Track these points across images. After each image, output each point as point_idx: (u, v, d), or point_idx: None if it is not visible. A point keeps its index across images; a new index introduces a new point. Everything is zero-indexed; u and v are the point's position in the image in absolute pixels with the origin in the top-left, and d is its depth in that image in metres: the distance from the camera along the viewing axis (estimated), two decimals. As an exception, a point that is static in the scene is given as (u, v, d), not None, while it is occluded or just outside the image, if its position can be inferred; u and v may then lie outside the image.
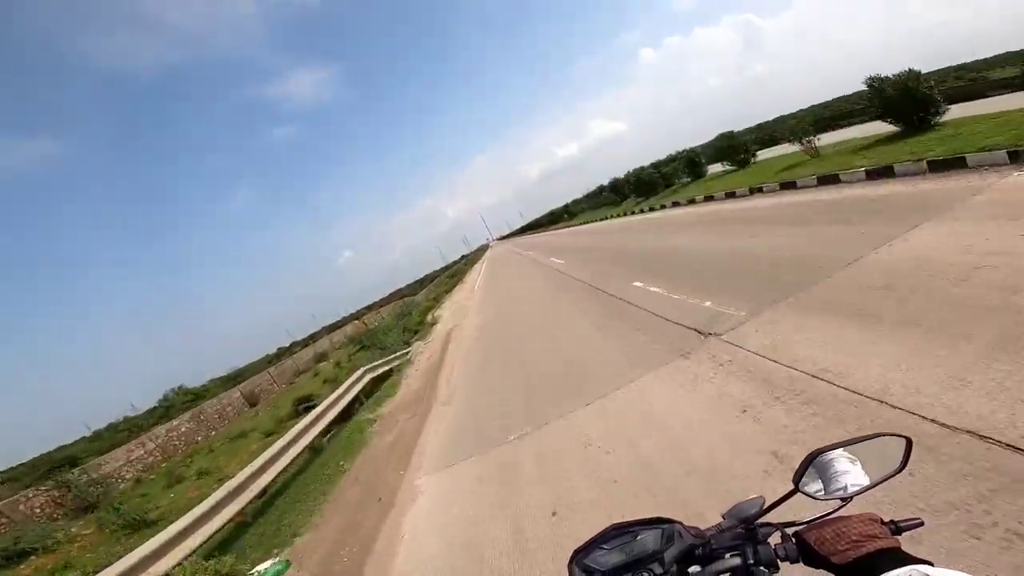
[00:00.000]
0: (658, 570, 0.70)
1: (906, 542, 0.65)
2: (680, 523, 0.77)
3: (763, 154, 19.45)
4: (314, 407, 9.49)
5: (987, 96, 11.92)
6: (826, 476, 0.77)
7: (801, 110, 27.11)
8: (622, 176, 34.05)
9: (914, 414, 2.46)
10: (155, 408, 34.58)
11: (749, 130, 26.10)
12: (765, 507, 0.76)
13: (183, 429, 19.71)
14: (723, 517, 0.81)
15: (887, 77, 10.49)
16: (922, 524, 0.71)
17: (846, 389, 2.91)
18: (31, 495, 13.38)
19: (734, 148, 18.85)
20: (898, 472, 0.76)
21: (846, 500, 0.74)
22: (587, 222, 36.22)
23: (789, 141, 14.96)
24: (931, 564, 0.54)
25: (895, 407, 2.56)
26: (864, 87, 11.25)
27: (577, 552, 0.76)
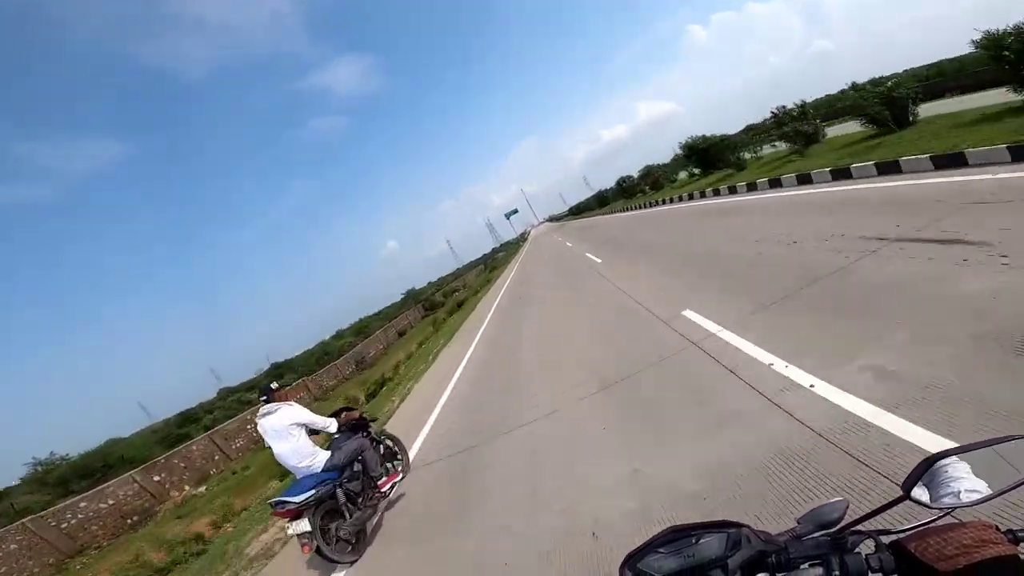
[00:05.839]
0: None
1: None
2: (748, 527, 0.66)
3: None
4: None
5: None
6: (936, 484, 0.66)
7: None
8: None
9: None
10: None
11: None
12: (860, 515, 0.68)
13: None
14: (798, 522, 0.72)
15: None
16: None
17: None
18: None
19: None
20: None
21: (958, 510, 0.64)
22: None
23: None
24: None
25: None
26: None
27: (630, 556, 0.66)
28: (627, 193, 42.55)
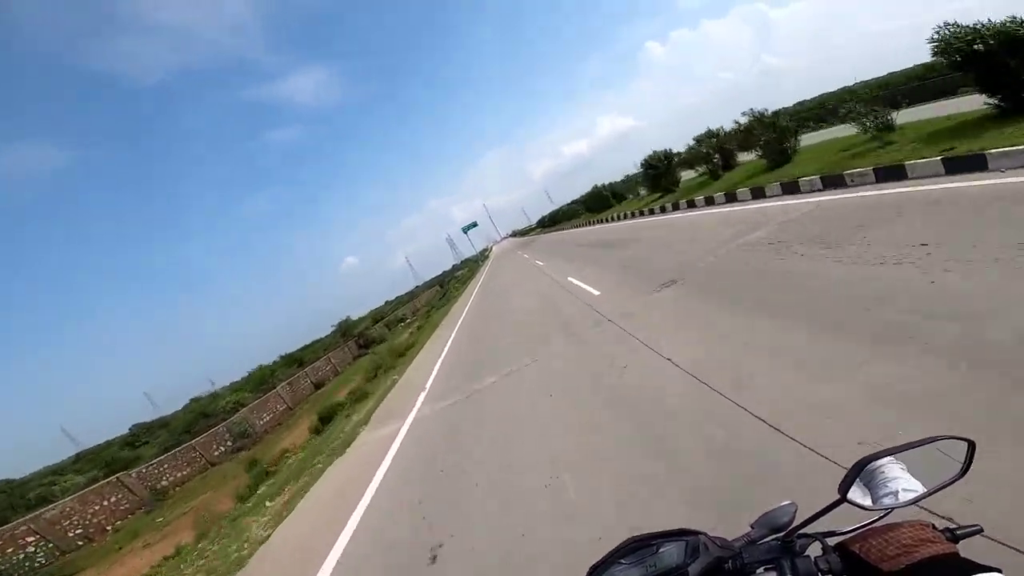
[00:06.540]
0: None
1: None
2: (705, 534, 0.71)
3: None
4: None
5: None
6: (875, 485, 0.68)
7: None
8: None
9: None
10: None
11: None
12: (805, 518, 0.70)
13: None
14: (751, 527, 0.75)
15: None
16: (981, 531, 0.64)
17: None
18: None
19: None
20: (959, 478, 0.67)
21: (896, 510, 0.66)
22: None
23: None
24: (999, 572, 0.50)
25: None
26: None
27: (594, 568, 0.70)
28: (657, 181, 24.87)
